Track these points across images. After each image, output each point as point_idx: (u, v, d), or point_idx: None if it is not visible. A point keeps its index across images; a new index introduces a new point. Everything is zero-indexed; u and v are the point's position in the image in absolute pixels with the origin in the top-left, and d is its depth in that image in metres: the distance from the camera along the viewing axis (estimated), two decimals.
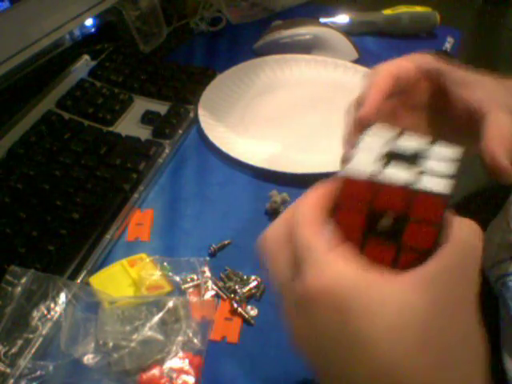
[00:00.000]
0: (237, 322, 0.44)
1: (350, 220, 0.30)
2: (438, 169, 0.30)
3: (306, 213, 0.30)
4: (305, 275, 0.27)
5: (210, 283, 0.47)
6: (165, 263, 0.48)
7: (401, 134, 0.32)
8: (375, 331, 0.25)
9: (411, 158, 0.31)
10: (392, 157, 0.31)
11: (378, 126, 0.33)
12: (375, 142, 0.32)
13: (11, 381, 0.39)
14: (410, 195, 0.29)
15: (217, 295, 0.46)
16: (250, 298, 0.46)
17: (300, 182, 0.57)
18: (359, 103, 0.41)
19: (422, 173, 0.29)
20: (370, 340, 0.25)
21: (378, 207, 0.29)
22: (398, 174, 0.29)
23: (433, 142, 0.32)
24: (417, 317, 0.25)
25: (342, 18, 0.84)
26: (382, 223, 0.29)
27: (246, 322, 0.44)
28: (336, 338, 0.26)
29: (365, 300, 0.25)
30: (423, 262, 0.27)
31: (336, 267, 0.26)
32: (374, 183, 0.29)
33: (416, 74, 0.43)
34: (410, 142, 0.32)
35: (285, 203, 0.54)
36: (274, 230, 0.31)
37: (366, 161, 0.31)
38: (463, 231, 0.28)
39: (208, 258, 0.49)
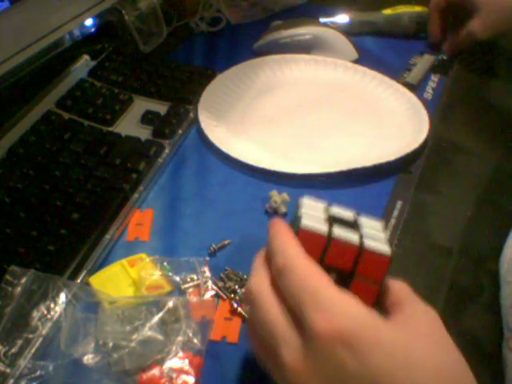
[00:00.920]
0: (237, 322, 0.44)
1: None
2: (374, 235, 0.32)
3: (297, 256, 0.30)
4: (313, 320, 0.27)
5: (209, 283, 0.47)
6: (165, 263, 0.48)
7: (329, 205, 0.35)
8: (393, 365, 0.26)
9: (350, 224, 0.33)
10: (334, 221, 0.33)
11: (308, 199, 0.35)
12: (313, 210, 0.34)
13: (11, 381, 0.39)
14: (358, 253, 0.31)
15: (217, 295, 0.46)
16: None
17: (300, 182, 0.57)
18: None
19: (362, 236, 0.31)
20: (392, 372, 0.26)
21: (328, 261, 0.31)
22: (346, 234, 0.31)
23: (358, 214, 0.35)
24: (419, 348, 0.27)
25: (342, 18, 0.84)
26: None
27: (245, 321, 0.44)
28: (353, 377, 0.26)
29: (377, 339, 0.26)
30: None
31: (347, 309, 0.27)
32: (330, 239, 0.31)
33: None
34: (342, 211, 0.34)
35: (285, 203, 0.54)
36: (258, 281, 0.31)
37: (316, 221, 0.32)
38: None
39: (208, 258, 0.49)
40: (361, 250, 0.31)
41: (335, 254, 0.31)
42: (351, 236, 0.31)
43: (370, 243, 0.31)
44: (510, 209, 0.55)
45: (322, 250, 0.31)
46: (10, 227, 0.49)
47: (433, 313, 0.30)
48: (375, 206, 0.55)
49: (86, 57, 0.74)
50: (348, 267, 0.31)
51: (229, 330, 0.44)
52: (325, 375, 0.27)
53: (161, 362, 0.41)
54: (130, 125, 0.65)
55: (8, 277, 0.44)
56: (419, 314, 0.29)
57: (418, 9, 0.85)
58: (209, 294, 0.46)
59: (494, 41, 0.74)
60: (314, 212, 0.33)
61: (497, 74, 0.77)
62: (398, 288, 0.32)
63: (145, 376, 0.40)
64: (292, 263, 0.29)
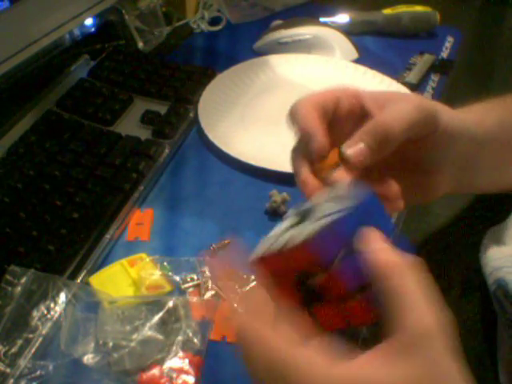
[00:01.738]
0: None
1: (286, 291, 0.31)
2: (319, 214, 0.30)
3: (251, 337, 0.29)
4: None
5: (209, 283, 0.47)
6: (165, 263, 0.48)
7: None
8: None
9: (307, 214, 0.31)
10: (300, 219, 0.31)
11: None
12: (289, 218, 0.33)
13: (11, 381, 0.39)
14: (285, 255, 0.29)
15: (217, 295, 0.46)
16: None
17: None
18: (305, 142, 0.38)
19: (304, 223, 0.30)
20: None
21: (298, 269, 0.29)
22: (282, 238, 0.30)
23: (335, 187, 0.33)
24: None
25: (342, 18, 0.84)
26: (307, 287, 0.29)
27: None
28: None
29: None
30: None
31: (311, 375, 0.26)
32: (270, 255, 0.30)
33: (334, 98, 0.40)
34: (316, 199, 0.33)
35: (285, 203, 0.54)
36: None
37: (267, 242, 0.31)
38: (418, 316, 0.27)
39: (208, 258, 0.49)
40: (280, 252, 0.29)
41: (283, 262, 0.30)
42: (281, 240, 0.30)
43: (294, 235, 0.29)
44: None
45: (279, 265, 0.30)
46: (10, 227, 0.49)
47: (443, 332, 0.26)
48: None
49: (85, 57, 0.74)
50: (301, 267, 0.29)
51: (229, 330, 0.44)
52: None
53: (161, 362, 0.41)
54: (129, 124, 0.65)
55: (8, 277, 0.44)
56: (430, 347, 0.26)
57: (418, 8, 0.85)
58: (209, 294, 0.46)
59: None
60: (268, 240, 0.32)
61: (495, 74, 0.77)
62: (398, 285, 0.28)
63: (145, 376, 0.40)
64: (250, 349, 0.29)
